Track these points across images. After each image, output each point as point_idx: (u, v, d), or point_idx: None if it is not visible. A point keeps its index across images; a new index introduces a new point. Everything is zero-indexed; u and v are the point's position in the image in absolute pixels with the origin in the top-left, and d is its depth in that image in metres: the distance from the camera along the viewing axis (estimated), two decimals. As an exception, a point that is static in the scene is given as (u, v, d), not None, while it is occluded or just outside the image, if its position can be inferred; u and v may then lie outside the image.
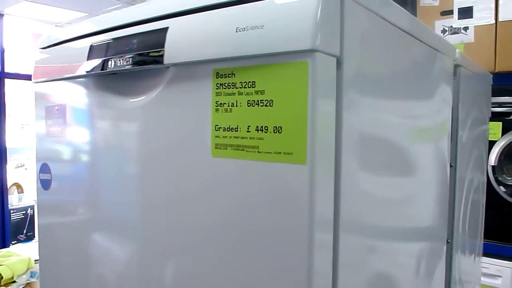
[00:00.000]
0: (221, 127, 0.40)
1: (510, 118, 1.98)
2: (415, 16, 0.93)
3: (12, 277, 1.15)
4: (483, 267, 2.11)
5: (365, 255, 0.46)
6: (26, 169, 5.54)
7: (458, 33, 2.06)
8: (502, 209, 2.03)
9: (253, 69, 0.37)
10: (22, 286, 1.14)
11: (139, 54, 0.46)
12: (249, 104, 0.37)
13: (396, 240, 0.57)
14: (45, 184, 0.64)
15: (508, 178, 2.02)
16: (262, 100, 0.37)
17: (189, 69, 0.42)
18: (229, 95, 0.39)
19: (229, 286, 0.40)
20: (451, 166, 0.77)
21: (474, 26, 2.02)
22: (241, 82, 0.38)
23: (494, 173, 2.01)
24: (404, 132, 0.56)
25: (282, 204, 0.36)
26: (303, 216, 0.35)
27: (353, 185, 0.41)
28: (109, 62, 0.49)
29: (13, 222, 3.77)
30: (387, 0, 0.46)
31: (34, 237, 3.79)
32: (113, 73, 0.52)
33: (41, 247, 0.69)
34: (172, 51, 0.43)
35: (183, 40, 0.42)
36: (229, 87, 0.39)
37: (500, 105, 2.03)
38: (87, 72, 0.52)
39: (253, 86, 0.37)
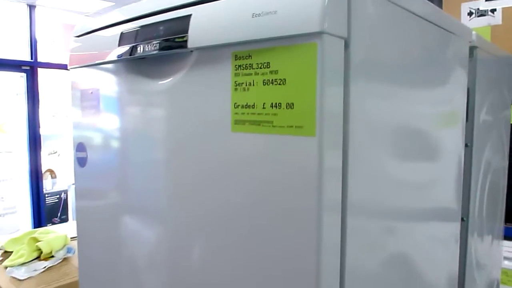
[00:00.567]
0: (239, 105, 0.44)
1: (538, 101, 1.94)
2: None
3: (51, 252, 1.23)
4: (507, 251, 2.10)
5: (372, 227, 0.50)
6: (58, 155, 5.74)
7: (485, 15, 2.02)
8: (529, 194, 2.00)
9: (268, 51, 0.41)
10: (60, 260, 1.23)
11: (166, 40, 0.50)
12: (264, 83, 0.41)
13: (406, 218, 0.60)
14: (81, 161, 0.69)
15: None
16: (276, 79, 0.40)
17: (211, 52, 0.46)
18: (246, 75, 0.43)
19: (251, 259, 0.45)
20: (466, 146, 0.79)
21: (502, 8, 1.98)
22: (257, 63, 0.42)
23: (521, 157, 1.98)
24: (415, 114, 0.59)
25: (294, 173, 0.40)
26: (313, 184, 0.38)
27: (361, 158, 0.44)
28: (138, 48, 0.54)
29: (48, 206, 3.94)
30: (396, -16, 0.49)
31: (68, 220, 3.96)
32: (142, 58, 0.56)
33: (78, 222, 0.75)
34: (195, 36, 0.47)
35: (205, 26, 0.46)
36: (246, 68, 0.43)
37: (528, 88, 1.98)
38: (118, 57, 0.57)
39: (268, 66, 0.41)
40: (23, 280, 1.12)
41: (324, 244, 0.40)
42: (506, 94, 1.14)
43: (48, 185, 4.07)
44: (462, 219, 0.81)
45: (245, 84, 0.43)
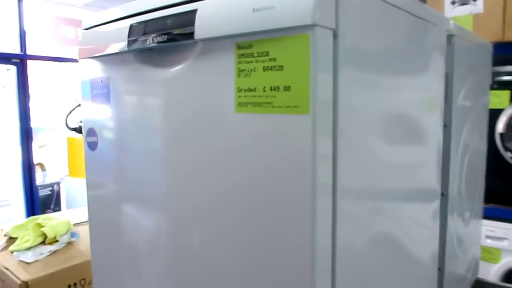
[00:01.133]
0: (242, 89, 0.50)
1: (518, 86, 2.03)
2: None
3: (55, 237, 1.29)
4: (489, 230, 2.20)
5: (360, 207, 0.56)
6: (48, 148, 5.74)
7: (467, 4, 2.09)
8: (509, 175, 2.10)
9: (267, 41, 0.47)
10: (64, 244, 1.28)
11: (174, 32, 0.56)
12: (264, 69, 0.47)
13: (391, 199, 0.67)
14: (92, 145, 0.75)
15: (515, 145, 2.08)
16: (275, 66, 0.47)
17: (215, 43, 0.52)
18: (248, 62, 0.49)
19: (251, 238, 0.51)
20: (445, 126, 0.86)
21: (483, -4, 2.05)
22: (257, 52, 0.48)
23: (502, 140, 2.08)
24: (399, 99, 0.66)
25: (291, 146, 0.46)
26: (307, 154, 0.45)
27: (348, 139, 0.51)
28: (148, 39, 0.59)
29: (41, 198, 3.97)
30: (378, -20, 0.55)
31: (61, 211, 4.00)
32: (149, 49, 0.62)
33: (90, 203, 0.80)
34: (201, 29, 0.53)
35: (210, 20, 0.52)
36: (248, 56, 0.49)
37: (509, 73, 2.07)
38: (128, 48, 0.63)
39: (267, 55, 0.47)
40: (30, 263, 1.18)
41: (318, 217, 0.46)
42: (484, 79, 1.22)
43: (38, 179, 4.09)
44: (442, 194, 0.89)
45: (247, 70, 0.49)
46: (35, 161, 3.92)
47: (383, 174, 0.63)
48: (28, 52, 3.84)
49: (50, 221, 1.36)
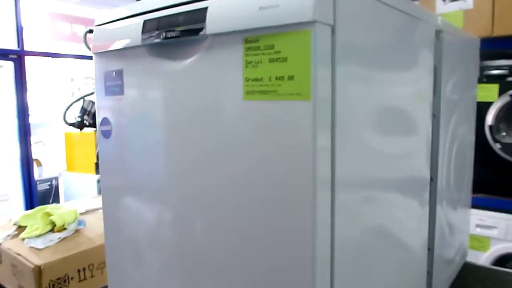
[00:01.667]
0: (250, 79, 0.56)
1: (506, 80, 2.10)
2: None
3: (64, 225, 1.34)
4: (479, 219, 2.28)
5: (355, 196, 0.63)
6: (44, 144, 5.76)
7: (457, 0, 2.16)
8: (499, 166, 2.17)
9: (272, 36, 0.53)
10: (72, 232, 1.34)
11: (186, 27, 0.61)
12: (270, 61, 0.53)
13: (385, 188, 0.73)
14: (106, 134, 0.81)
15: (504, 136, 2.15)
16: (279, 58, 0.53)
17: (225, 38, 0.58)
18: (255, 55, 0.55)
19: (254, 229, 0.57)
20: (434, 116, 0.93)
21: (473, -7, 2.11)
22: (264, 46, 0.54)
23: (491, 132, 2.15)
24: (391, 91, 0.72)
25: (294, 129, 0.52)
26: (309, 136, 0.51)
27: (344, 119, 0.57)
28: (161, 34, 0.65)
29: (40, 193, 4.02)
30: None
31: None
32: (161, 44, 0.67)
33: (104, 190, 0.86)
34: (212, 25, 0.58)
35: (220, 16, 0.58)
36: (255, 49, 0.55)
37: (497, 67, 2.14)
38: (142, 43, 0.68)
39: (273, 48, 0.53)
40: (41, 249, 1.23)
41: (319, 188, 0.52)
42: (472, 73, 1.28)
43: (35, 174, 4.13)
44: (431, 179, 0.95)
45: (254, 62, 0.55)
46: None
47: (376, 163, 0.69)
48: (25, 48, 3.86)
49: (58, 210, 1.41)
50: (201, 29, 0.60)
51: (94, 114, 3.74)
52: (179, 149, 0.68)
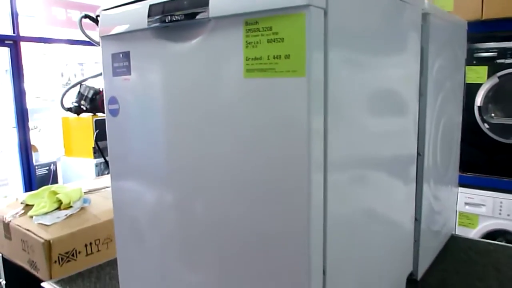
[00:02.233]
0: (250, 58, 0.61)
1: (495, 62, 2.16)
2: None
3: (69, 203, 1.40)
4: (468, 197, 2.35)
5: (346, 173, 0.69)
6: (39, 130, 5.78)
7: (448, -16, 2.20)
8: (487, 146, 2.25)
9: (270, 18, 0.58)
10: (78, 209, 1.40)
11: (190, 11, 0.67)
12: (268, 41, 0.59)
13: (375, 167, 0.79)
14: (113, 112, 0.86)
15: (492, 117, 2.22)
16: (277, 38, 0.58)
17: (226, 20, 0.64)
18: (254, 36, 0.60)
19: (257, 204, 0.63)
20: (422, 95, 0.99)
21: (464, -24, 2.15)
22: (262, 27, 0.59)
23: (480, 113, 2.22)
24: (380, 72, 0.77)
25: (290, 102, 0.58)
26: (303, 109, 0.57)
27: (335, 96, 0.63)
28: (166, 17, 0.70)
29: (38, 177, 4.07)
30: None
31: (59, 190, 4.10)
32: (166, 27, 0.72)
33: (112, 168, 0.92)
34: (214, 8, 0.64)
35: (222, 0, 0.63)
36: (254, 31, 0.60)
37: (487, 50, 2.20)
38: (148, 25, 0.73)
39: (271, 29, 0.58)
40: (49, 225, 1.30)
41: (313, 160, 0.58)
42: (459, 55, 1.34)
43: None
44: (419, 154, 1.02)
45: (253, 43, 0.60)
46: (27, 143, 3.97)
47: (366, 141, 0.75)
48: (21, 34, 3.86)
49: (63, 189, 1.47)
50: (204, 13, 0.65)
51: (91, 99, 3.78)
52: (182, 124, 0.74)
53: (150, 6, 0.73)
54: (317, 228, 0.61)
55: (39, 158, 4.46)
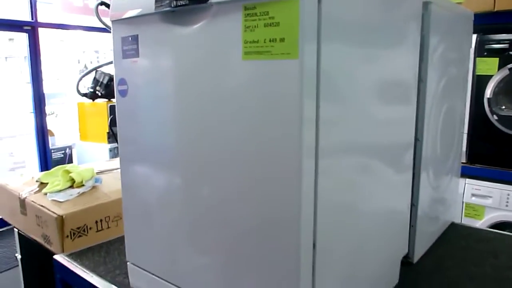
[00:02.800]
0: (248, 41, 0.65)
1: (506, 54, 2.15)
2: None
3: (82, 181, 1.46)
4: (475, 188, 2.36)
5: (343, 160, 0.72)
6: (56, 116, 5.89)
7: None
8: (495, 138, 2.24)
9: (267, 4, 0.62)
10: (90, 188, 1.46)
11: (194, -3, 0.71)
12: (265, 26, 0.62)
13: (368, 154, 0.82)
14: (122, 93, 0.91)
15: (502, 109, 2.22)
16: (273, 23, 0.62)
17: (227, 6, 0.67)
18: (252, 20, 0.64)
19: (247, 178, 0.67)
20: (421, 81, 1.01)
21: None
22: (260, 12, 0.63)
23: (489, 105, 2.22)
24: (377, 59, 0.80)
25: (285, 82, 0.62)
26: (297, 89, 0.60)
27: (328, 76, 0.66)
28: (172, 3, 0.74)
29: (54, 161, 4.18)
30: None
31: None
32: (172, 11, 0.76)
33: (121, 147, 0.96)
34: (216, -6, 0.67)
35: (223, -13, 0.67)
36: (252, 15, 0.64)
37: (498, 42, 2.19)
38: (155, 10, 0.77)
39: (267, 14, 0.62)
40: (62, 202, 1.36)
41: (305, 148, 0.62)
42: (465, 45, 1.35)
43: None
44: (417, 139, 1.04)
45: (251, 27, 0.64)
46: (43, 128, 4.07)
47: (360, 124, 0.78)
48: (38, 20, 3.94)
49: (76, 169, 1.53)
50: (206, -2, 0.69)
51: (106, 85, 3.86)
52: (186, 104, 0.78)
53: (157, -9, 0.77)
54: (307, 204, 0.65)
55: (55, 142, 4.58)
